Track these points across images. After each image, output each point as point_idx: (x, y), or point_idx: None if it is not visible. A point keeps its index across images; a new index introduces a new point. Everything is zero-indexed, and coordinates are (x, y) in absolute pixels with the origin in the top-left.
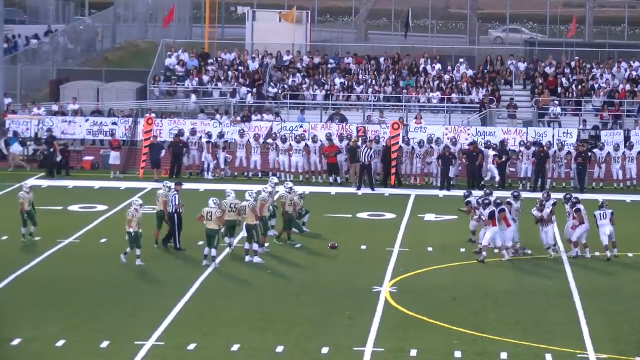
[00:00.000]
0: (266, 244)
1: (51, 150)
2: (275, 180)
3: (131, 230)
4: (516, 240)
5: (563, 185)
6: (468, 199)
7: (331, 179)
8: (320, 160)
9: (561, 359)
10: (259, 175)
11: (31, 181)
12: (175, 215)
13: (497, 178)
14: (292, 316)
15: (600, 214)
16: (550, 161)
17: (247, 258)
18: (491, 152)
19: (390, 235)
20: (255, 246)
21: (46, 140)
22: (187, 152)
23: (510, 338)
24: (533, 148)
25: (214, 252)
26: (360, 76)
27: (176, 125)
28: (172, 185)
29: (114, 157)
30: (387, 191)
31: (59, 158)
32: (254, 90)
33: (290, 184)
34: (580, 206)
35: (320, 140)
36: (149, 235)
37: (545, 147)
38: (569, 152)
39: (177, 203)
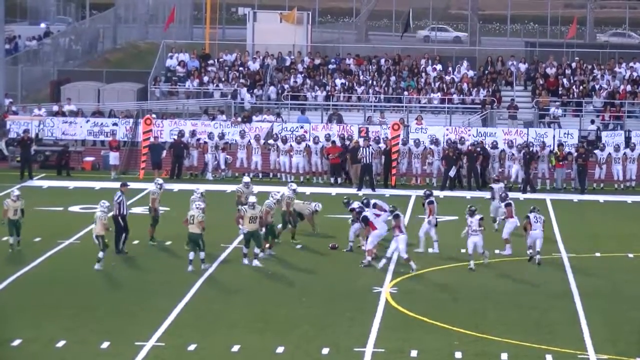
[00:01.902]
0: (267, 247)
1: (32, 151)
2: (247, 179)
3: (102, 234)
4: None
5: (564, 186)
6: (352, 206)
7: (332, 180)
8: (322, 161)
9: (561, 359)
10: (260, 177)
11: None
12: (120, 217)
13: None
14: (293, 317)
15: (535, 217)
16: (546, 161)
17: (244, 261)
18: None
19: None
20: (256, 250)
21: (20, 142)
22: (187, 153)
23: (511, 339)
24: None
25: (202, 255)
26: (361, 77)
27: (177, 126)
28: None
29: (114, 158)
30: (387, 192)
31: (33, 148)
32: (253, 91)
33: (294, 186)
34: (511, 201)
35: (321, 142)
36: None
37: (530, 148)
38: (569, 153)
39: (124, 205)
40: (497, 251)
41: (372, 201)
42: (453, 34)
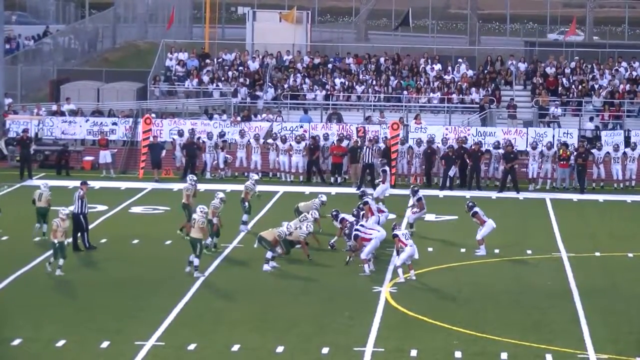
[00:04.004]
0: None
1: (32, 150)
2: (256, 177)
3: (56, 241)
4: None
5: (564, 185)
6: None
7: (332, 179)
8: (322, 160)
9: (561, 359)
10: (259, 176)
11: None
12: (81, 215)
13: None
14: (292, 316)
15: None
16: (550, 161)
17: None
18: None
19: (390, 236)
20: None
21: (19, 141)
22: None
23: (511, 338)
24: (540, 148)
25: (196, 262)
26: (360, 76)
27: (176, 126)
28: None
29: (104, 156)
30: (387, 191)
31: (33, 147)
32: (252, 91)
33: (324, 197)
34: (477, 209)
35: (322, 141)
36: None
37: (514, 147)
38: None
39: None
40: (476, 252)
41: (365, 199)
42: (581, 37)
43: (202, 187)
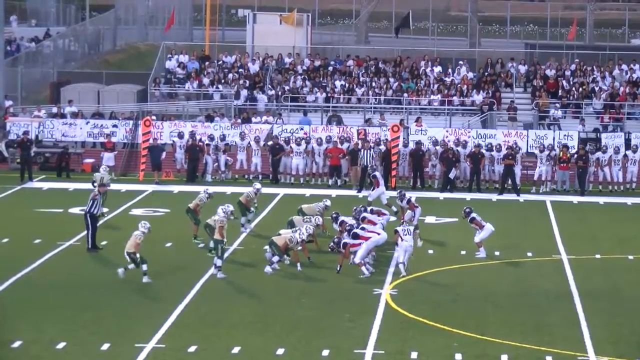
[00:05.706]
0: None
1: (32, 153)
2: (259, 186)
3: (138, 253)
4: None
5: (564, 188)
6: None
7: (330, 182)
8: (324, 163)
9: None
10: (260, 178)
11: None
12: (88, 215)
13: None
14: (293, 318)
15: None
16: (550, 163)
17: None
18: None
19: (390, 238)
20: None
21: (20, 143)
22: (203, 156)
23: (511, 340)
24: (547, 151)
25: (219, 262)
26: (360, 78)
27: (177, 128)
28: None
29: (108, 158)
30: (387, 194)
31: (33, 149)
32: (252, 92)
33: (328, 202)
34: (474, 214)
35: (325, 144)
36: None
37: (514, 151)
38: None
39: (100, 204)
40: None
41: (363, 214)
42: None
43: (203, 189)
